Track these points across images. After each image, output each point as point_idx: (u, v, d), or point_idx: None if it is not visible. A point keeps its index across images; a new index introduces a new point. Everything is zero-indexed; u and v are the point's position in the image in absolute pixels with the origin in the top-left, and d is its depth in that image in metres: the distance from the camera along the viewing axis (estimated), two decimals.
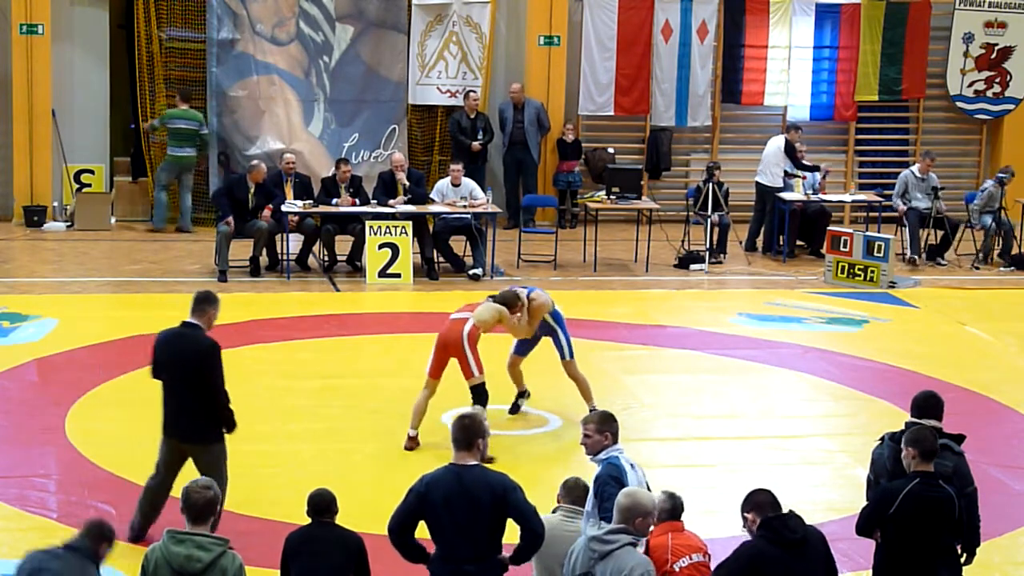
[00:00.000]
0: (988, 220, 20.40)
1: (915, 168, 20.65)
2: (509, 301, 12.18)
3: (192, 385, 9.64)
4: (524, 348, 12.74)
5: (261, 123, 21.64)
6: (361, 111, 22.04)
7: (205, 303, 9.90)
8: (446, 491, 7.37)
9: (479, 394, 11.86)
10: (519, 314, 12.22)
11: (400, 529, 7.53)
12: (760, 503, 7.23)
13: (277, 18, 21.71)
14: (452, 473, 7.42)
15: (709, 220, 19.67)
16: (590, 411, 12.49)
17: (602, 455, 7.85)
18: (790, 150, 20.41)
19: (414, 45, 22.03)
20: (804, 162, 20.52)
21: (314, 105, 21.92)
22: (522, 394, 12.90)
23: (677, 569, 7.38)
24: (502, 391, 12.73)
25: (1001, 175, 20.61)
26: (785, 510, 7.23)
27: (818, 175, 20.62)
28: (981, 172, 23.61)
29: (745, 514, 7.26)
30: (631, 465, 7.81)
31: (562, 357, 12.50)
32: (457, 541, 7.39)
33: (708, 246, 19.73)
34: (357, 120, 22.02)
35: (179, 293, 17.47)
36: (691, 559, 7.45)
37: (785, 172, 20.49)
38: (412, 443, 11.96)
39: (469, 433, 7.49)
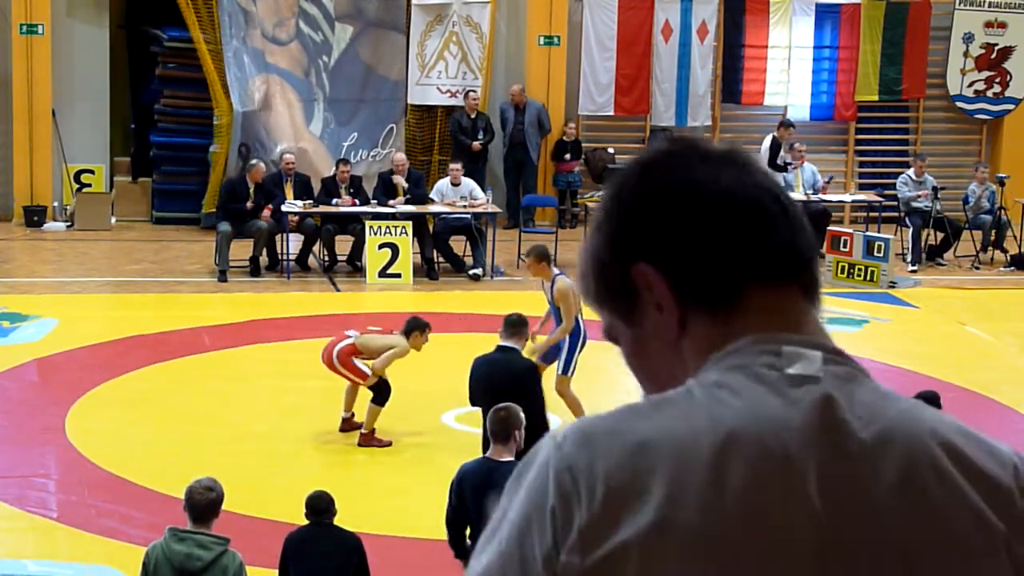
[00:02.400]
0: (987, 217, 20.44)
1: (910, 172, 20.66)
2: (411, 330, 11.95)
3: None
4: (548, 357, 12.58)
5: (269, 122, 21.52)
6: (360, 110, 22.01)
7: (519, 325, 9.62)
8: (475, 484, 7.44)
9: (378, 391, 11.87)
10: (421, 343, 11.97)
11: (450, 524, 7.60)
12: None
13: (277, 18, 21.69)
14: (485, 468, 7.48)
15: None
16: None
17: None
18: (774, 147, 20.41)
19: (414, 45, 22.02)
20: (778, 161, 20.47)
21: (314, 105, 21.88)
22: None
23: None
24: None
25: (982, 167, 20.90)
26: None
27: (819, 176, 20.64)
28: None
29: None
30: None
31: (556, 370, 12.37)
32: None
33: None
34: (356, 119, 22.00)
35: (179, 293, 17.49)
36: None
37: (784, 166, 20.48)
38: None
39: (506, 424, 7.51)
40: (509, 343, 9.53)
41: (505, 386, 9.31)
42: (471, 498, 7.41)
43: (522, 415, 7.67)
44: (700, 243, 1.81)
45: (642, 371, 1.93)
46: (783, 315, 1.83)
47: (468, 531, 7.64)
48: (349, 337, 12.06)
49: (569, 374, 12.28)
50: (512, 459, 7.45)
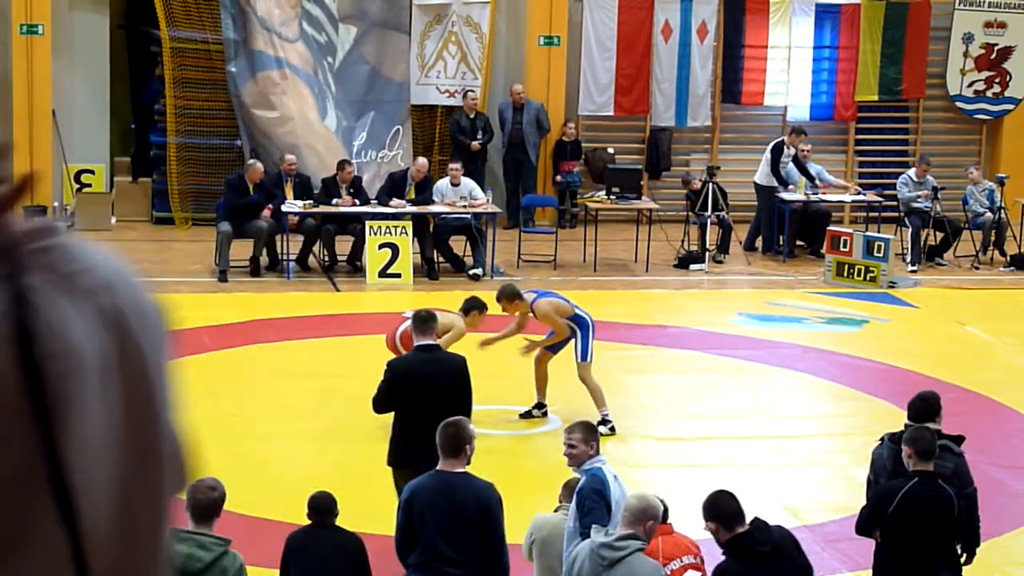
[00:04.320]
0: (989, 215, 20.44)
1: (912, 172, 20.65)
2: (471, 308, 12.09)
3: (455, 406, 8.84)
4: (554, 347, 12.64)
5: (281, 118, 21.32)
6: (366, 112, 21.90)
7: (431, 321, 9.64)
8: (431, 497, 7.39)
9: None
10: (479, 323, 12.14)
11: (403, 548, 7.55)
12: (723, 514, 7.03)
13: (281, 18, 21.62)
14: (437, 480, 7.43)
15: (708, 220, 19.65)
16: (601, 417, 12.36)
17: (586, 466, 7.68)
18: (776, 151, 20.33)
19: (414, 45, 22.01)
20: (779, 169, 20.43)
21: (325, 102, 21.76)
22: (540, 406, 12.72)
23: (669, 572, 7.35)
24: (513, 392, 12.74)
25: (973, 169, 20.91)
26: (749, 517, 7.09)
27: (828, 175, 20.68)
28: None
29: (708, 523, 7.08)
30: (614, 476, 7.65)
31: (575, 359, 12.40)
32: (441, 546, 7.39)
33: (706, 246, 19.71)
34: (363, 120, 21.92)
35: (179, 293, 17.48)
36: (682, 561, 7.44)
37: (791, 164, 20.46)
38: None
39: (457, 440, 7.49)
40: (428, 340, 9.54)
41: (457, 385, 9.26)
42: (426, 510, 7.37)
43: (472, 429, 7.65)
44: None
45: None
46: None
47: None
48: (408, 319, 11.99)
49: (588, 360, 12.28)
50: (463, 470, 7.48)
